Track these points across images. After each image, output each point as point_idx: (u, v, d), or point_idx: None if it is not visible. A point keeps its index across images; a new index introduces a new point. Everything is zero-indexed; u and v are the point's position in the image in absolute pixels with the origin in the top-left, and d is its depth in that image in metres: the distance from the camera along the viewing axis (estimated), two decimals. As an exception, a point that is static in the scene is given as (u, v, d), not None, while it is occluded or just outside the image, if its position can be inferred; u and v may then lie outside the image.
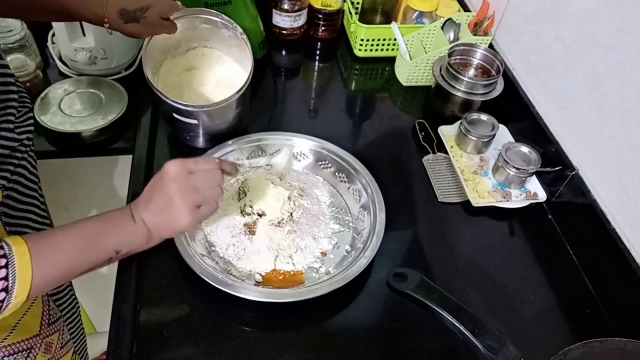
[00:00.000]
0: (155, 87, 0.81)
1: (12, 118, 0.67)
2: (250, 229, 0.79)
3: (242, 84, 0.83)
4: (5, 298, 0.49)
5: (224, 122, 0.88)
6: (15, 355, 0.68)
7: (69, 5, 0.73)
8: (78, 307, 0.95)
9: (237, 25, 0.86)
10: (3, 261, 0.49)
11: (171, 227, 0.65)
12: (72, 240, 0.56)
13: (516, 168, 0.88)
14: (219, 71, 0.93)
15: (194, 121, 0.84)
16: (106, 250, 0.59)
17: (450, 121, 1.00)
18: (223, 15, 0.87)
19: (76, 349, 0.90)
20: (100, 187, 1.19)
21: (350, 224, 0.83)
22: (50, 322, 0.75)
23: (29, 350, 0.69)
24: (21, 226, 0.74)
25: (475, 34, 1.08)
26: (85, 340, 1.00)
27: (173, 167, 0.64)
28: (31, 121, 0.72)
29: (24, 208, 0.74)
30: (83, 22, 0.96)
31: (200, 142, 0.90)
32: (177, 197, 0.62)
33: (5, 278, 0.49)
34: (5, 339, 0.66)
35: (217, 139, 0.87)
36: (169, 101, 0.80)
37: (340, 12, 1.19)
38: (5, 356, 0.68)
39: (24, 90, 0.71)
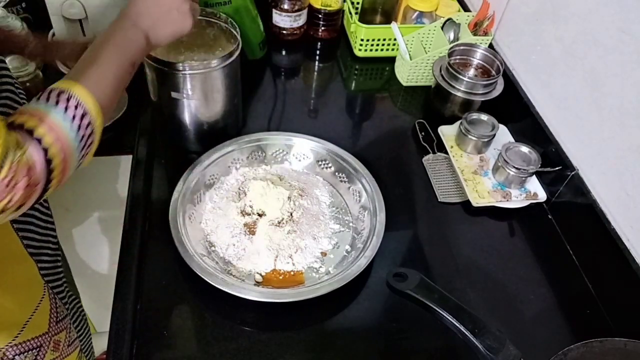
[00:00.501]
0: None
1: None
2: (250, 229, 0.79)
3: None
4: (89, 122, 0.54)
5: (216, 108, 0.88)
6: (26, 353, 0.70)
7: None
8: (81, 306, 0.96)
9: (220, 13, 0.87)
10: (72, 100, 0.52)
11: (174, 32, 0.68)
12: (107, 69, 0.60)
13: (516, 168, 0.88)
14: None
15: (183, 97, 0.83)
16: (130, 66, 0.64)
17: (450, 121, 1.00)
18: (206, 10, 0.88)
19: (82, 347, 0.91)
20: (100, 187, 1.19)
21: (350, 224, 0.83)
22: (58, 319, 0.76)
23: (38, 349, 0.71)
24: (26, 223, 0.74)
25: (475, 34, 1.08)
26: (91, 339, 1.01)
27: None
28: None
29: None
30: (83, 22, 0.96)
31: (192, 138, 0.89)
32: (182, 1, 0.66)
33: (79, 105, 0.53)
34: (17, 336, 0.68)
35: (212, 136, 0.87)
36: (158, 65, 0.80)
37: (340, 12, 1.19)
38: (17, 354, 0.69)
39: (23, 92, 0.72)
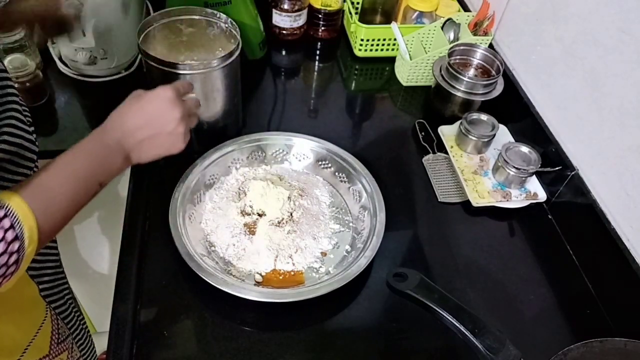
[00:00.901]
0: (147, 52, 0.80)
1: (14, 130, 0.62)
2: (250, 229, 0.79)
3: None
4: (19, 246, 0.48)
5: (216, 108, 0.87)
6: None
7: None
8: (85, 324, 0.92)
9: (220, 13, 0.86)
10: (1, 212, 0.47)
11: (157, 154, 0.64)
12: (61, 183, 0.54)
13: (516, 168, 0.88)
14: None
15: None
16: (94, 185, 0.58)
17: (450, 121, 1.00)
18: (206, 10, 0.87)
19: None
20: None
21: (350, 224, 0.83)
22: (60, 340, 0.73)
23: None
24: None
25: (475, 34, 1.08)
26: (96, 356, 0.99)
27: (170, 93, 0.62)
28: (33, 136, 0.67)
29: None
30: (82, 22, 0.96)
31: (192, 138, 0.89)
32: (178, 123, 0.62)
33: (12, 227, 0.47)
34: None
35: (212, 136, 0.87)
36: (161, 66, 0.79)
37: (340, 12, 1.19)
38: None
39: (28, 110, 0.68)
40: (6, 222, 0.46)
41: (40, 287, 0.71)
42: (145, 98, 0.62)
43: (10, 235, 0.46)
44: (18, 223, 0.47)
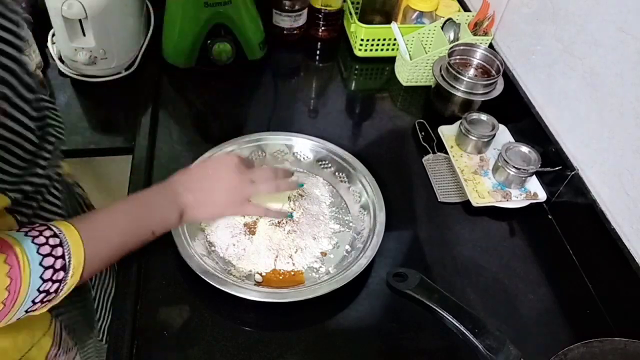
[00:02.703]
0: None
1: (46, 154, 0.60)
2: (250, 229, 0.79)
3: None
4: (63, 277, 0.49)
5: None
6: None
7: None
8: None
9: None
10: (57, 240, 0.48)
11: (212, 214, 0.66)
12: (116, 224, 0.57)
13: (516, 168, 0.87)
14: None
15: None
16: (146, 232, 0.60)
17: (450, 121, 1.00)
18: None
19: None
20: (100, 187, 1.19)
21: (350, 224, 0.82)
22: (59, 354, 0.70)
23: None
24: None
25: (475, 34, 1.08)
26: None
27: (235, 159, 0.65)
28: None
29: None
30: (83, 22, 0.96)
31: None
32: (234, 189, 0.64)
33: (62, 257, 0.48)
34: None
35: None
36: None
37: (340, 12, 1.19)
38: None
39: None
40: (58, 251, 0.48)
41: None
42: (210, 160, 0.66)
43: (59, 264, 0.48)
44: (69, 254, 0.49)
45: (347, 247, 0.79)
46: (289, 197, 0.81)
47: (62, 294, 0.50)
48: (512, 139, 0.99)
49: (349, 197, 0.85)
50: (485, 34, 1.09)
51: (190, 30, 1.02)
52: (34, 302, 0.49)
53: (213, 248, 0.77)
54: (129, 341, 0.66)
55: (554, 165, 0.88)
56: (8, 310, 0.47)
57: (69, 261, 0.49)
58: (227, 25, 1.04)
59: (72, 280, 0.50)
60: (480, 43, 1.06)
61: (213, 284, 0.68)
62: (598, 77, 0.80)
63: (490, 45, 1.09)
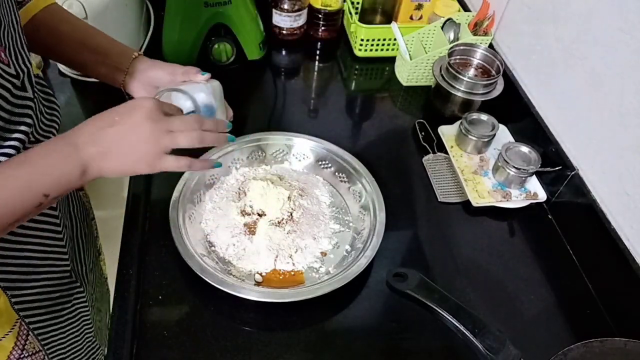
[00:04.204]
0: None
1: None
2: (250, 229, 0.79)
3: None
4: None
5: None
6: None
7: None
8: (76, 336, 0.83)
9: None
10: None
11: (121, 169, 0.55)
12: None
13: (516, 168, 0.87)
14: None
15: None
16: (36, 196, 0.50)
17: (450, 121, 1.00)
18: None
19: None
20: (100, 187, 1.19)
21: (350, 224, 0.82)
22: (22, 356, 0.67)
23: None
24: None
25: (475, 34, 1.08)
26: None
27: (149, 103, 0.55)
28: None
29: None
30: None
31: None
32: (146, 139, 0.54)
33: None
34: None
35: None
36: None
37: (340, 12, 1.19)
38: None
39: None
40: None
41: (14, 300, 0.64)
42: (122, 106, 0.56)
43: None
44: None
45: (347, 247, 0.79)
46: (289, 197, 0.81)
47: None
48: (512, 139, 0.99)
49: (349, 197, 0.86)
50: (485, 34, 1.09)
51: (190, 30, 1.02)
52: None
53: (213, 248, 0.77)
54: (129, 341, 0.66)
55: (554, 165, 0.88)
56: None
57: None
58: (227, 25, 1.04)
59: None
60: (480, 43, 1.06)
61: (213, 283, 0.68)
62: (598, 77, 0.80)
63: (490, 45, 1.09)
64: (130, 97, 0.74)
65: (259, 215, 0.80)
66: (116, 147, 0.54)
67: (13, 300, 0.64)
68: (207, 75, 0.70)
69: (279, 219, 0.79)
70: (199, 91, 0.67)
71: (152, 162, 0.57)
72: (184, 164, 0.59)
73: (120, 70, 0.71)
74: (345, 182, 0.87)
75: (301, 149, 0.89)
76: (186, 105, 0.66)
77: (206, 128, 0.60)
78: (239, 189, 0.84)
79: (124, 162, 0.55)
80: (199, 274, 0.69)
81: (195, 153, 0.61)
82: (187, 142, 0.58)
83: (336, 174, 0.88)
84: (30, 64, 0.57)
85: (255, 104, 1.04)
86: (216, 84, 0.71)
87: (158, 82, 0.72)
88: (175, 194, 0.78)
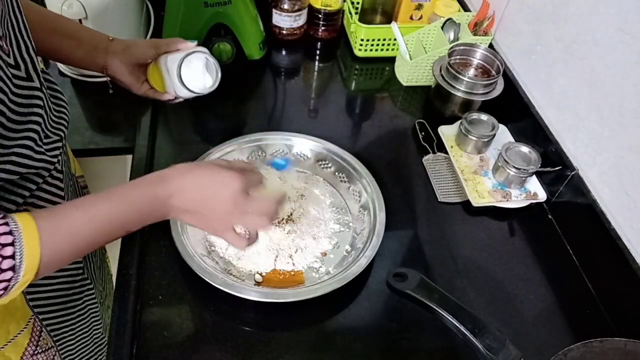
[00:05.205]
0: None
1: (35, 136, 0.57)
2: (250, 229, 0.78)
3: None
4: (12, 277, 0.46)
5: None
6: None
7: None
8: (86, 331, 0.85)
9: None
10: (10, 238, 0.45)
11: (192, 224, 0.63)
12: (90, 223, 0.52)
13: (516, 168, 0.87)
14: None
15: None
16: (121, 232, 0.56)
17: (450, 121, 1.00)
18: None
19: None
20: (100, 187, 1.19)
21: (350, 224, 0.82)
22: (36, 352, 0.69)
23: None
24: None
25: (475, 34, 1.08)
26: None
27: (238, 185, 0.59)
28: (59, 144, 0.62)
29: None
30: (83, 22, 0.96)
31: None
32: (224, 216, 0.60)
33: (12, 257, 0.45)
34: None
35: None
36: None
37: (340, 12, 1.19)
38: None
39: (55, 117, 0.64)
40: (7, 250, 0.45)
41: (29, 297, 0.67)
42: (214, 177, 0.60)
43: (6, 264, 0.45)
44: (20, 254, 0.45)
45: (347, 247, 0.79)
46: (289, 197, 0.81)
47: (14, 292, 0.48)
48: (512, 139, 0.99)
49: (349, 197, 0.86)
50: (485, 34, 1.09)
51: (190, 30, 1.02)
52: None
53: (213, 248, 0.77)
54: (129, 341, 0.66)
55: (554, 165, 0.88)
56: None
57: (20, 262, 0.46)
58: (227, 25, 1.04)
59: (24, 279, 0.47)
60: (480, 43, 1.06)
61: (213, 284, 0.68)
62: (598, 77, 0.80)
63: (490, 45, 1.09)
64: (112, 80, 0.77)
65: (259, 215, 0.79)
66: (198, 212, 0.60)
67: (28, 297, 0.66)
68: (195, 41, 0.75)
69: (279, 219, 0.79)
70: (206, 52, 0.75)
71: (219, 232, 0.63)
72: (242, 245, 0.64)
73: (98, 51, 0.72)
74: (345, 182, 0.87)
75: (301, 149, 0.89)
76: (201, 65, 0.73)
77: (275, 215, 0.64)
78: (239, 189, 0.84)
79: (199, 224, 0.62)
80: (199, 274, 0.69)
81: None
82: (253, 227, 0.64)
83: (336, 174, 0.88)
84: (35, 53, 0.57)
85: (255, 104, 1.04)
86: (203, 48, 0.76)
87: (142, 57, 0.75)
88: (175, 194, 0.78)
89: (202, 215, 0.60)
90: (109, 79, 0.77)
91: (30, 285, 0.63)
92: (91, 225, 0.52)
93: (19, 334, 0.65)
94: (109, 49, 0.73)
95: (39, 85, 0.57)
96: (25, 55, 0.55)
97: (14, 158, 0.53)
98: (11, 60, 0.52)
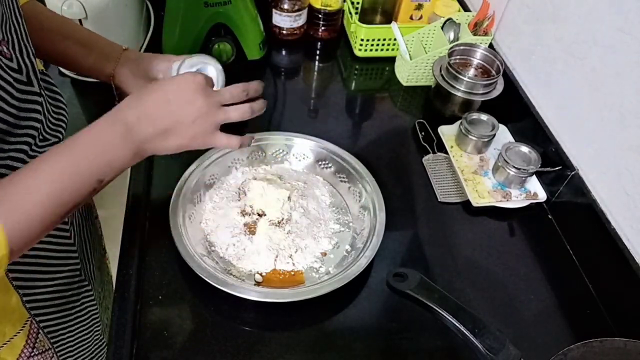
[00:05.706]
0: None
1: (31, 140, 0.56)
2: (250, 229, 0.79)
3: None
4: None
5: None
6: None
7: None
8: (81, 333, 0.83)
9: None
10: None
11: (177, 148, 0.56)
12: (46, 180, 0.46)
13: (516, 168, 0.87)
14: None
15: None
16: (90, 183, 0.49)
17: (450, 121, 1.00)
18: None
19: None
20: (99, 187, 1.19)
21: (350, 224, 0.82)
22: (32, 354, 0.68)
23: None
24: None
25: (475, 34, 1.08)
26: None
27: (198, 78, 0.54)
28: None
29: None
30: (83, 22, 0.96)
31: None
32: (203, 114, 0.54)
33: None
34: None
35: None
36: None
37: (340, 12, 1.19)
38: None
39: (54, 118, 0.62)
40: None
41: (25, 298, 0.65)
42: (169, 82, 0.55)
43: None
44: None
45: (347, 247, 0.79)
46: (289, 197, 0.81)
47: None
48: (512, 139, 0.99)
49: (349, 197, 0.86)
50: (485, 34, 1.09)
51: (190, 30, 1.02)
52: None
53: (213, 248, 0.77)
54: (129, 341, 0.66)
55: (554, 165, 0.88)
56: None
57: None
58: (227, 25, 1.04)
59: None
60: (480, 43, 1.06)
61: (213, 284, 0.68)
62: (598, 77, 0.80)
63: (490, 45, 1.09)
64: (119, 90, 0.73)
65: (259, 215, 0.80)
66: (173, 126, 0.54)
67: (25, 299, 0.65)
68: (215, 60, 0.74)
69: (279, 219, 0.79)
70: (210, 58, 0.72)
71: (207, 138, 0.57)
72: (235, 144, 0.60)
73: (109, 60, 0.71)
74: (345, 182, 0.87)
75: (301, 149, 0.89)
76: (211, 71, 0.70)
77: (251, 95, 0.60)
78: (239, 189, 0.84)
79: (181, 141, 0.56)
80: (199, 274, 0.69)
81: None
82: (239, 116, 0.59)
83: (336, 174, 0.88)
84: (35, 58, 0.56)
85: (255, 104, 1.04)
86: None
87: (153, 69, 0.72)
88: (175, 194, 0.78)
89: (178, 128, 0.54)
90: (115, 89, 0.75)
91: (26, 287, 0.63)
92: (53, 184, 0.47)
93: (15, 336, 0.65)
94: (121, 58, 0.71)
95: (38, 90, 0.56)
96: (27, 60, 0.54)
97: (9, 162, 0.52)
98: (14, 65, 0.51)
